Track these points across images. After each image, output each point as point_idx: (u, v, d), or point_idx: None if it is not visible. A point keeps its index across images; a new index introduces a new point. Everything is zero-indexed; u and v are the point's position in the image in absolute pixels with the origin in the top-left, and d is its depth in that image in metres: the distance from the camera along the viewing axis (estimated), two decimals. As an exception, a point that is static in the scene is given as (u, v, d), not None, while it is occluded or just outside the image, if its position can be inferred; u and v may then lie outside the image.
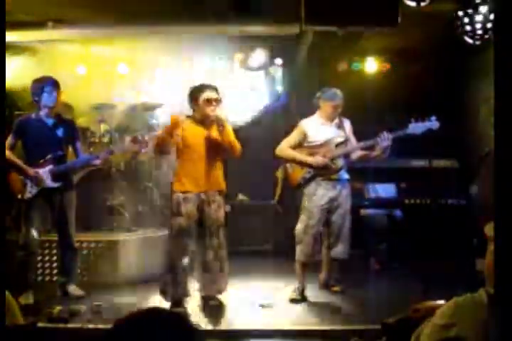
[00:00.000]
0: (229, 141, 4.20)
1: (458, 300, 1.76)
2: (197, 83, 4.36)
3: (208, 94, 4.17)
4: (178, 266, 4.11)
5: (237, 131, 4.58)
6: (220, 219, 4.23)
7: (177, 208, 4.14)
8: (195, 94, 4.23)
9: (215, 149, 4.22)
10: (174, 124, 4.12)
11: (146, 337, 1.32)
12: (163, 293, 4.19)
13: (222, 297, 4.34)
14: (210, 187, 4.20)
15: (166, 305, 4.10)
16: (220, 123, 4.14)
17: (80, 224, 4.82)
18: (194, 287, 4.31)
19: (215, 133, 4.22)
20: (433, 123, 4.31)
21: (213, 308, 4.21)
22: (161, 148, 4.26)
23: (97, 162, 4.59)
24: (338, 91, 4.55)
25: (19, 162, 4.42)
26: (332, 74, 6.63)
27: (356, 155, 4.58)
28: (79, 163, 4.62)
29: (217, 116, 4.13)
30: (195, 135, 4.21)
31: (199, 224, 4.17)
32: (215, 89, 4.24)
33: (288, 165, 4.65)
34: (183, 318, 1.43)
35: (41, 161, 4.40)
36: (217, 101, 4.21)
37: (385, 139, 4.31)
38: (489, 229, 1.75)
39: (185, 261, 4.12)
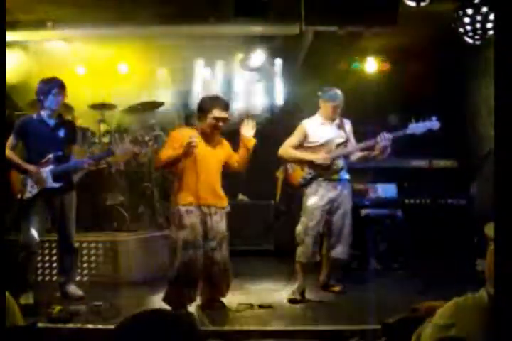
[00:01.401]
0: (243, 164, 4.29)
1: (458, 301, 1.76)
2: (210, 92, 4.31)
3: (218, 113, 4.10)
4: (184, 279, 4.03)
5: (236, 130, 4.56)
6: (222, 230, 4.18)
7: (180, 221, 4.05)
8: (205, 107, 4.15)
9: (218, 163, 4.21)
10: (189, 146, 3.99)
11: (149, 337, 1.33)
12: (167, 301, 4.10)
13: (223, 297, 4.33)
14: (211, 201, 4.14)
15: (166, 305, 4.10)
16: (248, 148, 4.20)
17: (80, 224, 4.82)
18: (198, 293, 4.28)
19: (220, 147, 4.23)
20: (433, 124, 4.29)
21: (213, 308, 4.20)
22: (171, 165, 4.18)
23: (85, 165, 4.57)
24: (339, 92, 4.54)
25: (20, 161, 4.41)
26: (332, 74, 6.63)
27: (356, 156, 4.57)
28: (72, 166, 4.56)
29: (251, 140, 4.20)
30: (201, 147, 4.10)
31: (203, 236, 4.10)
32: (227, 106, 4.19)
33: (289, 165, 4.64)
34: (185, 319, 1.43)
35: (42, 161, 4.39)
36: (225, 120, 4.17)
37: (384, 139, 4.30)
38: (489, 229, 1.75)
39: (193, 273, 4.04)
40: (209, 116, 4.11)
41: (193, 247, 4.03)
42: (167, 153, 4.10)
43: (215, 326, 3.80)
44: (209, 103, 4.17)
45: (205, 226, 4.10)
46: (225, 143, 4.36)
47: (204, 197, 4.11)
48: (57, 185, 4.41)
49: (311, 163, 4.50)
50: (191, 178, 4.11)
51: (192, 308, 4.18)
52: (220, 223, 4.16)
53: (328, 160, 4.46)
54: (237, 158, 4.30)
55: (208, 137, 4.19)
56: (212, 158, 4.18)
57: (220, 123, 4.14)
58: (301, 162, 4.54)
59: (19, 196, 4.39)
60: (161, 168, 4.33)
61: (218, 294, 4.27)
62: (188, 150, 3.95)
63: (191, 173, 4.11)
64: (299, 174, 4.56)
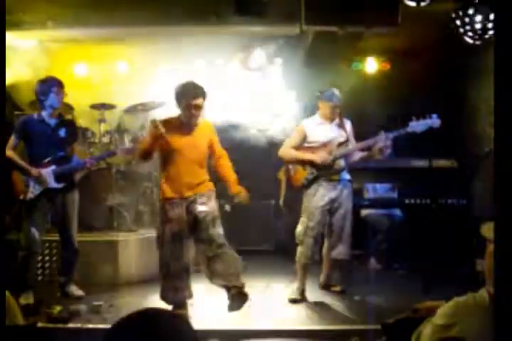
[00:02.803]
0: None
1: (459, 300, 1.76)
2: (185, 81, 4.10)
3: (188, 101, 3.98)
4: (175, 272, 4.03)
5: (237, 131, 4.58)
6: (211, 210, 4.06)
7: (165, 214, 4.04)
8: (178, 95, 4.04)
9: (200, 153, 4.10)
10: (155, 129, 3.93)
11: (141, 338, 1.33)
12: (164, 299, 4.12)
13: (222, 297, 4.31)
14: (194, 191, 4.07)
15: (166, 305, 4.10)
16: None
17: (80, 224, 4.81)
18: (194, 289, 4.27)
19: (202, 135, 4.12)
20: (434, 121, 4.29)
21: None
22: (146, 153, 4.10)
23: (87, 166, 4.56)
24: (337, 92, 4.53)
25: (22, 162, 4.41)
26: (332, 74, 6.62)
27: (357, 157, 4.57)
28: (73, 166, 4.56)
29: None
30: (180, 138, 4.05)
31: (193, 220, 4.04)
32: (200, 93, 4.01)
33: (290, 166, 4.63)
34: (177, 319, 1.43)
35: (44, 162, 4.39)
36: (199, 107, 4.01)
37: (383, 139, 4.31)
38: (487, 230, 1.75)
39: (182, 265, 4.05)
40: (182, 105, 4.02)
41: (180, 238, 4.02)
42: (143, 141, 4.16)
43: (215, 326, 3.80)
44: (180, 90, 4.04)
45: (192, 211, 4.04)
46: (208, 127, 4.21)
47: (186, 190, 4.05)
48: (59, 185, 4.41)
49: (311, 163, 4.49)
50: (172, 171, 4.07)
51: (191, 308, 4.19)
52: (207, 203, 4.06)
53: (327, 160, 4.44)
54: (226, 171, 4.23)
55: (186, 127, 4.08)
56: (193, 149, 4.07)
57: (194, 111, 4.01)
58: (302, 162, 4.53)
59: (21, 196, 4.39)
60: (140, 157, 4.24)
61: (235, 274, 4.02)
62: (155, 133, 3.94)
63: (172, 166, 4.07)
64: (301, 175, 4.55)
